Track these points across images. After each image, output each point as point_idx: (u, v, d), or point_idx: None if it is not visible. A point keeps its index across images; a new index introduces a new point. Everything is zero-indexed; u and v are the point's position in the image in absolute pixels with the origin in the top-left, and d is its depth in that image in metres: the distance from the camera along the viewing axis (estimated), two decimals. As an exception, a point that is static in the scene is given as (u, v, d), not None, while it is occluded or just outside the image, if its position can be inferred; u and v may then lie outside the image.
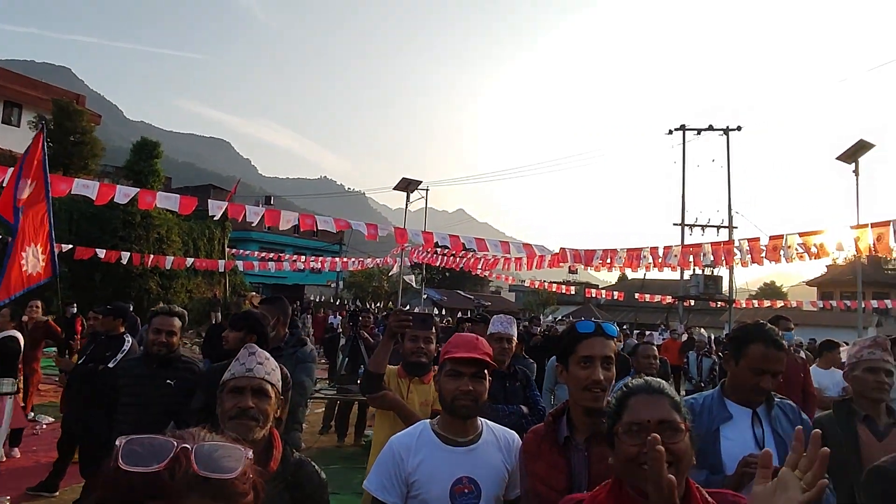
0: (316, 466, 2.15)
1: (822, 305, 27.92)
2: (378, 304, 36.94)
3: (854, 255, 18.42)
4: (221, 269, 23.81)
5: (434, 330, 3.75)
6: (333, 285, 45.95)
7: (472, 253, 19.52)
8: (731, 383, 2.57)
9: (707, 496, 1.47)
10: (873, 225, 9.48)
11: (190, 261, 21.73)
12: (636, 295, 26.91)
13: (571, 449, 2.07)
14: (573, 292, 28.70)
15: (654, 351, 5.47)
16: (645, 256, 12.11)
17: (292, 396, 4.52)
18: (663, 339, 18.40)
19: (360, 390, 3.88)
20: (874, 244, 9.55)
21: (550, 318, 37.03)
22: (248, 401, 1.97)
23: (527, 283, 30.42)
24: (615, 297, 28.70)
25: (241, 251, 28.00)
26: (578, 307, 46.25)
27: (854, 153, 16.10)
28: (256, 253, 27.15)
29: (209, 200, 10.85)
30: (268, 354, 2.15)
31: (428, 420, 2.32)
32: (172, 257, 21.19)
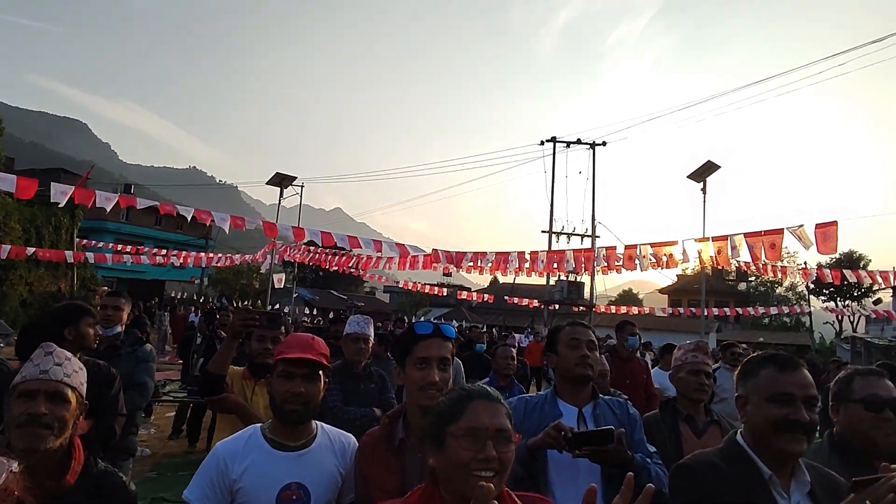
0: (124, 478, 1.96)
1: (671, 312, 30.33)
2: (246, 303, 35.52)
3: (699, 266, 20.13)
4: (70, 261, 21.84)
5: (283, 329, 3.61)
6: (197, 282, 43.62)
7: (344, 251, 19.24)
8: (558, 377, 2.64)
9: (517, 499, 1.47)
10: (714, 239, 10.36)
11: (31, 250, 19.73)
12: (505, 298, 27.77)
13: (406, 451, 2.02)
14: (446, 293, 29.14)
15: (512, 352, 5.61)
16: (512, 260, 12.50)
17: (132, 398, 4.20)
18: (528, 342, 19.09)
19: (199, 392, 3.65)
20: (715, 256, 10.44)
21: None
22: (40, 406, 1.74)
23: (401, 285, 30.53)
24: (486, 300, 29.48)
25: (94, 242, 25.84)
26: (450, 309, 47.09)
27: (702, 173, 17.52)
28: (111, 245, 25.18)
29: (52, 184, 9.81)
30: (69, 354, 1.92)
31: (260, 424, 2.19)
32: (9, 246, 19.10)
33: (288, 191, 20.98)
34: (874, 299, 38.68)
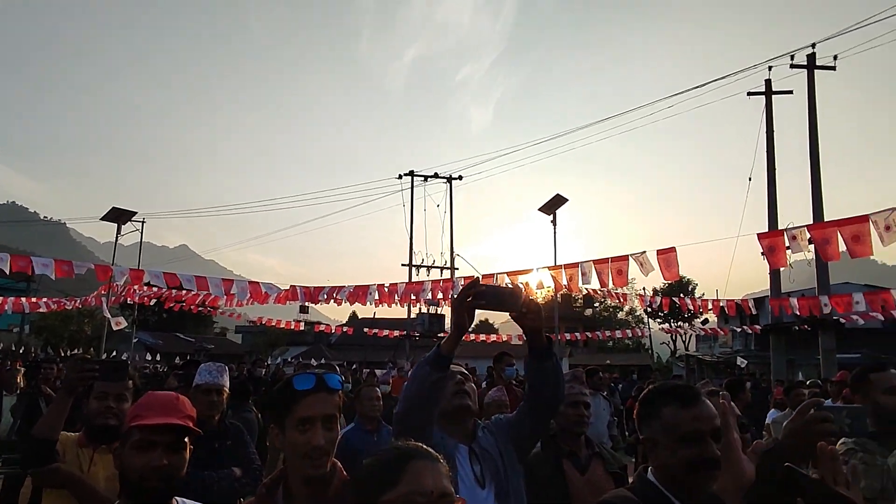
0: None
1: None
2: (76, 351, 31.94)
3: (551, 293, 20.97)
4: None
5: (131, 382, 3.01)
6: (16, 330, 38.63)
7: (190, 292, 17.86)
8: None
9: None
10: (566, 266, 10.74)
11: None
12: (365, 330, 27.32)
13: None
14: (303, 328, 28.09)
15: (378, 392, 5.26)
16: (371, 293, 12.21)
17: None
18: (392, 377, 18.74)
19: (21, 463, 2.93)
20: (567, 283, 10.81)
21: (279, 359, 35.73)
22: None
23: (255, 322, 29.02)
24: (346, 332, 28.86)
25: None
26: (309, 347, 45.47)
27: (552, 205, 18.41)
28: None
29: None
30: None
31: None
32: None
33: (127, 227, 19.23)
34: (702, 319, 42.64)
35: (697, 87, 15.35)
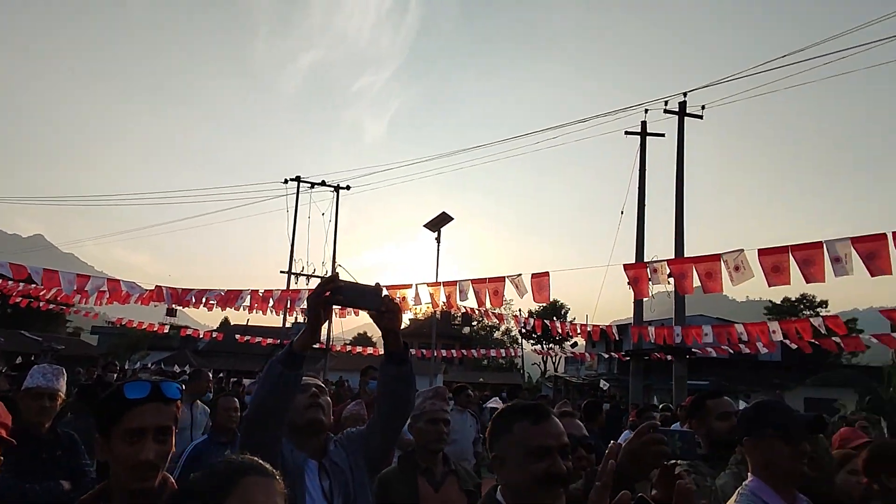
0: None
1: (403, 354, 31.24)
2: None
3: (431, 310, 21.15)
4: None
5: None
6: None
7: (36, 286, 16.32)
8: (287, 430, 2.36)
9: None
10: (445, 284, 10.85)
11: None
12: (237, 337, 26.21)
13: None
14: (168, 332, 26.46)
15: (236, 403, 5.02)
16: (244, 298, 11.71)
17: None
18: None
19: None
20: (446, 300, 10.92)
21: (138, 364, 33.43)
22: None
23: (114, 323, 26.97)
24: (215, 338, 27.55)
25: None
26: (173, 352, 42.81)
27: (437, 223, 18.65)
28: None
29: None
30: None
31: None
32: None
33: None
34: (571, 342, 44.63)
35: (581, 120, 16.18)
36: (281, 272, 25.21)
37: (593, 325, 16.87)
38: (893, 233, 6.19)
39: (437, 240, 18.81)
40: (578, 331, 17.46)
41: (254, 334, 26.68)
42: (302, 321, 24.36)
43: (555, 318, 43.21)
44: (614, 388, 25.75)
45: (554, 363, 50.17)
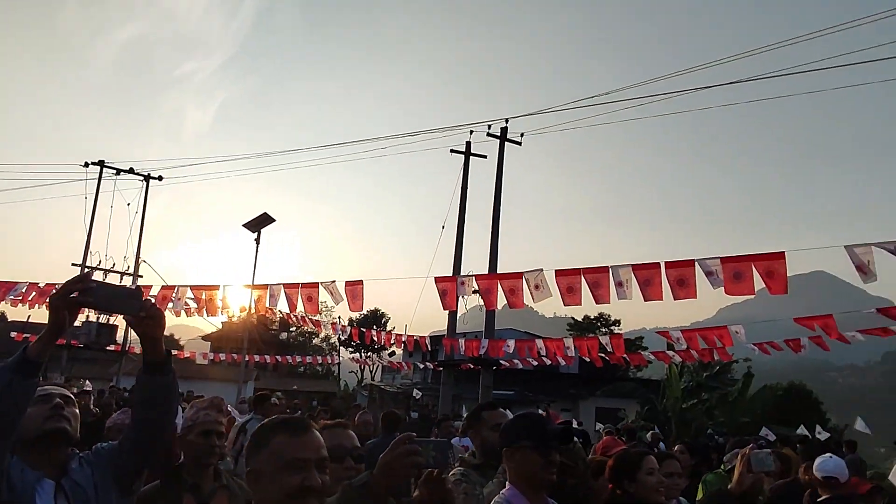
0: None
1: (213, 358, 29.57)
2: None
3: (246, 314, 20.28)
4: None
5: None
6: None
7: None
8: (18, 446, 2.08)
9: None
10: (255, 286, 10.48)
11: None
12: (13, 334, 23.10)
13: None
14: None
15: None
16: (19, 290, 10.34)
17: None
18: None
19: None
20: (255, 304, 10.51)
21: None
22: None
23: None
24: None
25: None
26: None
27: (258, 224, 17.99)
28: None
29: None
30: None
31: None
32: None
33: None
34: (389, 352, 45.07)
35: (409, 134, 16.57)
36: (73, 265, 22.69)
37: (408, 336, 17.19)
38: (666, 263, 7.04)
39: (257, 241, 18.17)
40: (393, 340, 17.68)
41: (35, 332, 23.66)
42: (94, 320, 22.11)
43: (375, 327, 43.44)
44: (427, 397, 26.40)
45: (371, 372, 50.35)
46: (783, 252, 6.21)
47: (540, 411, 6.37)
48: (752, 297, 7.15)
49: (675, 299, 6.94)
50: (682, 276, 6.81)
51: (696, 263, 6.60)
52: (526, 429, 2.33)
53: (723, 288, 6.46)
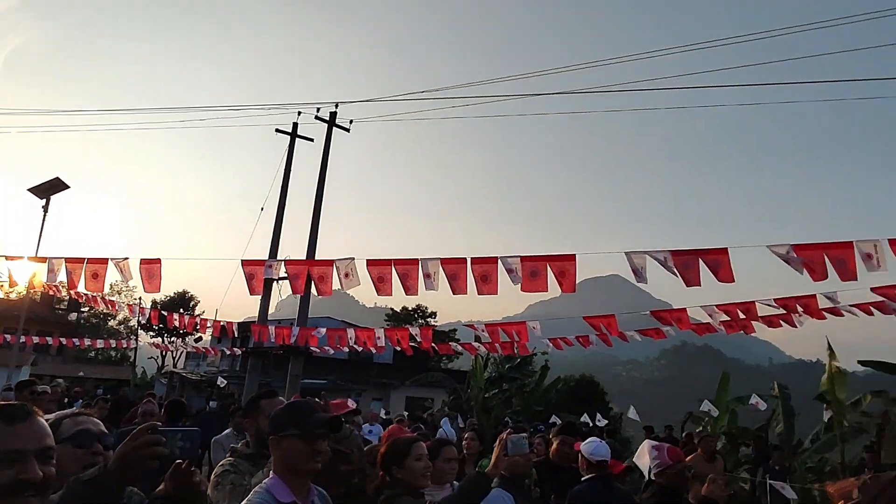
0: None
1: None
2: None
3: (27, 291, 17.97)
4: None
5: None
6: None
7: None
8: None
9: None
10: (31, 259, 9.27)
11: None
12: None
13: None
14: None
15: None
16: None
17: None
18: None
19: None
20: (29, 280, 9.29)
21: None
22: None
23: None
24: None
25: None
26: None
27: (47, 189, 16.09)
28: None
29: None
30: None
31: None
32: None
33: None
34: (196, 337, 42.41)
35: (232, 108, 15.59)
36: None
37: (214, 321, 16.29)
38: (472, 258, 7.33)
39: (45, 209, 16.24)
40: (198, 324, 16.66)
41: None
42: None
43: (182, 311, 40.66)
44: (233, 384, 25.22)
45: (175, 358, 47.00)
46: (574, 254, 6.75)
47: (351, 402, 6.36)
48: (558, 295, 7.73)
49: (478, 294, 7.26)
50: (485, 272, 7.12)
51: (499, 260, 6.95)
52: (293, 418, 2.27)
53: (521, 285, 6.88)
